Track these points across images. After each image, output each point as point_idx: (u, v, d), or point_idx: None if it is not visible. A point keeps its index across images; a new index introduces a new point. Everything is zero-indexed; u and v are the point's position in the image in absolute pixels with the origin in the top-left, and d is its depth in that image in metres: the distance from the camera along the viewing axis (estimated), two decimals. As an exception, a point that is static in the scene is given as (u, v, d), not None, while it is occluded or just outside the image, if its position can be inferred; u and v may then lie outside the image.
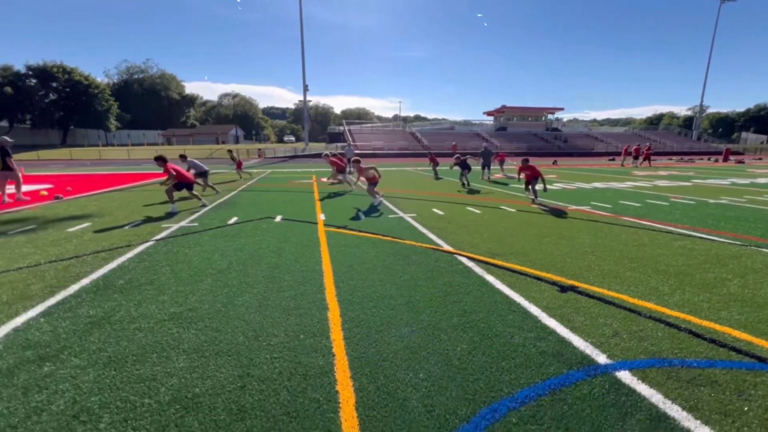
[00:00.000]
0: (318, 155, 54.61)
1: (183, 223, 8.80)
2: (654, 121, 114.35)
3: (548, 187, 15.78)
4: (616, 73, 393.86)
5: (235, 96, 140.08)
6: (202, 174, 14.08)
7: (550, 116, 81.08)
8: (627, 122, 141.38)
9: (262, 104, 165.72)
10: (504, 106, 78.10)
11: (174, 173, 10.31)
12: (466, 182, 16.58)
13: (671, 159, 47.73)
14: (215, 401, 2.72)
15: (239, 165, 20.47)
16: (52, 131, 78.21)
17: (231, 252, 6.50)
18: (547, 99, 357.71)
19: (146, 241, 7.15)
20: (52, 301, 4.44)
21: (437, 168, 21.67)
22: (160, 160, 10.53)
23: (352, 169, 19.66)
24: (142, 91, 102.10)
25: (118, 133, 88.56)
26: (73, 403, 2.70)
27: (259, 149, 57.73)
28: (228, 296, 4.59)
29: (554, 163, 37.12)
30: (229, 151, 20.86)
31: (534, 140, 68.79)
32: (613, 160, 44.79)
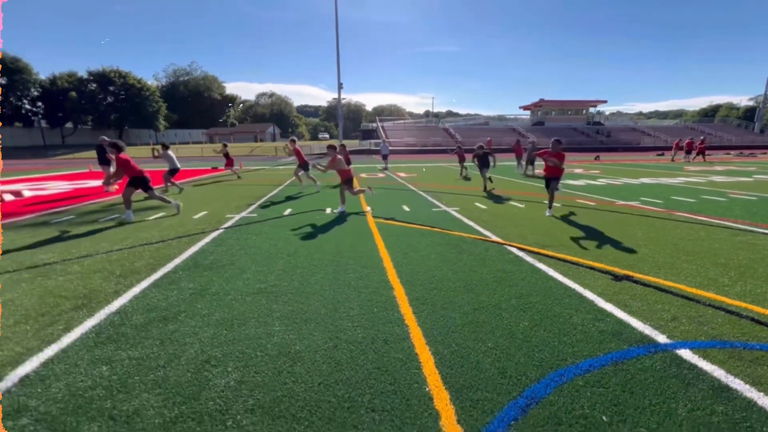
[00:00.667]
0: (352, 152, 55.62)
1: (243, 214, 9.60)
2: (709, 113, 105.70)
3: (592, 182, 15.33)
4: (664, 63, 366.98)
5: (272, 95, 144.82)
6: (172, 171, 13.35)
7: (591, 109, 77.46)
8: (678, 114, 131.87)
9: (296, 102, 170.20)
10: (542, 100, 75.49)
11: (122, 168, 8.61)
12: (464, 171, 17.65)
13: (729, 153, 44.23)
14: (314, 356, 3.21)
15: (230, 163, 18.51)
16: (109, 131, 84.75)
17: (294, 239, 7.11)
18: (590, 91, 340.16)
19: (216, 229, 7.93)
20: (155, 276, 5.18)
21: (464, 164, 19.03)
22: (113, 147, 8.69)
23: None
24: (187, 92, 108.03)
25: (167, 133, 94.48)
26: (201, 352, 3.29)
27: (285, 146, 59.44)
28: (302, 276, 5.14)
29: (596, 158, 35.65)
30: (224, 145, 18.68)
31: (574, 135, 66.12)
32: (662, 155, 42.29)
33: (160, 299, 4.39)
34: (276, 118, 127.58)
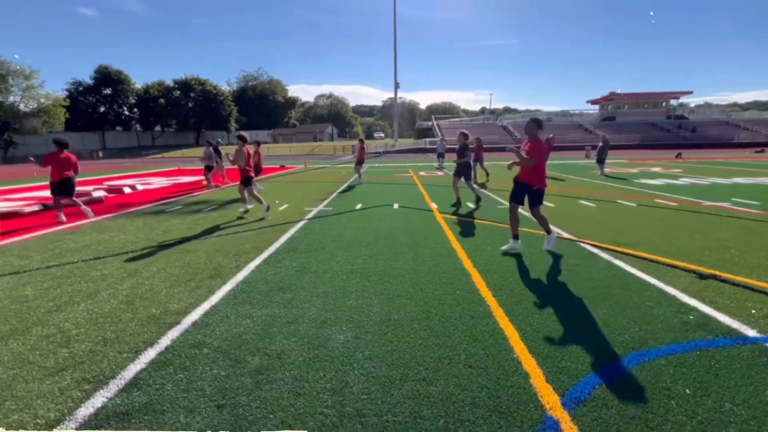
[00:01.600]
0: (408, 151, 56.11)
1: (320, 207, 10.58)
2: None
3: (672, 182, 14.27)
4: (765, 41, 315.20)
5: (329, 96, 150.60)
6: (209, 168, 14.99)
7: (673, 102, 69.87)
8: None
9: (352, 103, 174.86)
10: (613, 93, 69.77)
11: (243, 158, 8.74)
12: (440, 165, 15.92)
13: None
14: (411, 324, 3.78)
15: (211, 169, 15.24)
16: (189, 133, 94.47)
17: (370, 230, 7.81)
18: (671, 83, 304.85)
19: (301, 220, 8.92)
20: (263, 256, 6.14)
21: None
22: (240, 139, 9.14)
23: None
24: (255, 96, 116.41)
25: (237, 134, 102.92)
26: (318, 315, 4.02)
27: (353, 146, 61.58)
28: (385, 261, 5.76)
29: (678, 156, 32.37)
30: (213, 144, 15.22)
31: (649, 130, 60.27)
32: (762, 151, 37.09)
33: (273, 274, 5.28)
34: (333, 118, 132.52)
